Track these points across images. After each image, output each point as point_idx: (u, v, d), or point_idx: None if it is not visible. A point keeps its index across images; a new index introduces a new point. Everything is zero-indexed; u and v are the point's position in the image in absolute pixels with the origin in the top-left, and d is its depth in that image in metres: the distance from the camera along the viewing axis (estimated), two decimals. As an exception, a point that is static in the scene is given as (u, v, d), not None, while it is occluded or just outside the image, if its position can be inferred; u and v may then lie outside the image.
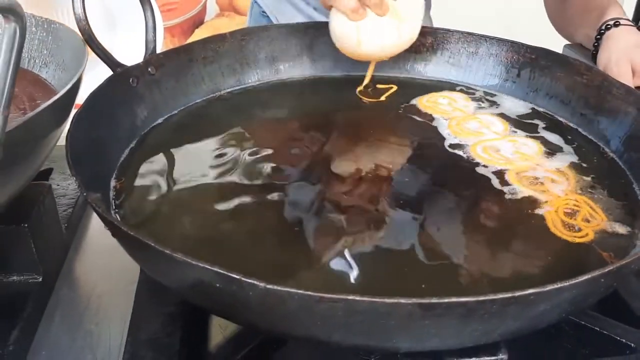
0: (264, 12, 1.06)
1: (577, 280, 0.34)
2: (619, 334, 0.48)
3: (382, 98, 0.72)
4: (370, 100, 0.72)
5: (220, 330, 0.52)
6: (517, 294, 0.33)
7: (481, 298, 0.33)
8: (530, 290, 0.34)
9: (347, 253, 0.46)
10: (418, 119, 0.68)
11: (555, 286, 0.34)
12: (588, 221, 0.52)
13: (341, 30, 0.66)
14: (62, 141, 0.50)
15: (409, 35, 0.67)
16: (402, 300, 0.33)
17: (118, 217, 0.50)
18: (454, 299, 0.33)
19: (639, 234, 0.50)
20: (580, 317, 0.49)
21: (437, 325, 0.35)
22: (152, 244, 0.37)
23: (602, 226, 0.51)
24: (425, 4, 0.69)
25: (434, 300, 0.33)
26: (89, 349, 0.51)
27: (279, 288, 0.34)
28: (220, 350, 0.49)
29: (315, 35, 0.77)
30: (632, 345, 0.47)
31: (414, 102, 0.71)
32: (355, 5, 0.63)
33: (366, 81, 0.74)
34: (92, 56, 0.59)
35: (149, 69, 0.65)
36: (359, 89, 0.73)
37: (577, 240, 0.50)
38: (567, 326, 0.49)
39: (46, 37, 0.63)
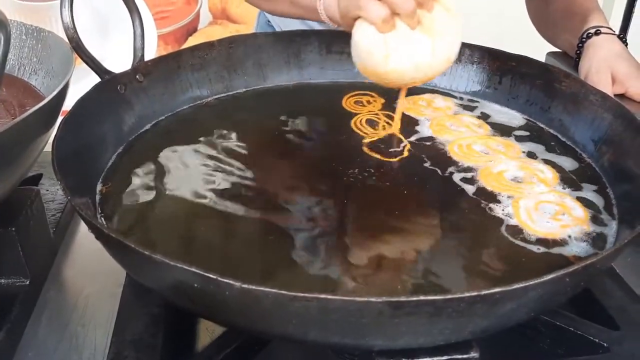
0: (269, 21, 1.07)
1: (541, 280, 0.35)
2: (593, 334, 0.49)
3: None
4: (355, 109, 0.73)
5: (207, 333, 0.53)
6: (483, 292, 0.35)
7: (448, 296, 0.34)
8: (496, 289, 0.35)
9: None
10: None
11: (521, 285, 0.35)
12: (559, 219, 0.53)
13: (367, 43, 0.58)
14: (50, 147, 0.51)
15: (445, 53, 0.58)
16: (373, 299, 0.34)
17: (103, 221, 0.52)
18: (422, 297, 0.34)
19: (608, 236, 0.51)
20: (555, 318, 0.50)
21: (408, 323, 0.36)
22: (133, 246, 0.38)
23: (575, 225, 0.52)
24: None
25: (403, 298, 0.34)
26: (75, 350, 0.52)
27: (254, 287, 0.35)
28: (203, 350, 0.50)
29: (302, 43, 0.78)
30: (605, 345, 0.48)
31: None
32: (386, 14, 0.55)
33: (396, 123, 0.65)
34: (84, 65, 0.60)
35: (137, 76, 0.66)
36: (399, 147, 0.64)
37: (544, 234, 0.51)
38: (542, 327, 0.50)
39: (36, 44, 0.64)
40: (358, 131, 0.68)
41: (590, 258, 0.38)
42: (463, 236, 0.52)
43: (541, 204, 0.55)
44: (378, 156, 0.62)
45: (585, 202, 0.56)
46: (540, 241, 0.51)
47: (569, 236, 0.51)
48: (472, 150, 0.63)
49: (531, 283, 0.35)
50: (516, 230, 0.52)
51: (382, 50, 0.57)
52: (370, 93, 0.75)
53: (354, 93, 0.75)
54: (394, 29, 0.57)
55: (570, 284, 0.38)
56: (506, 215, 0.54)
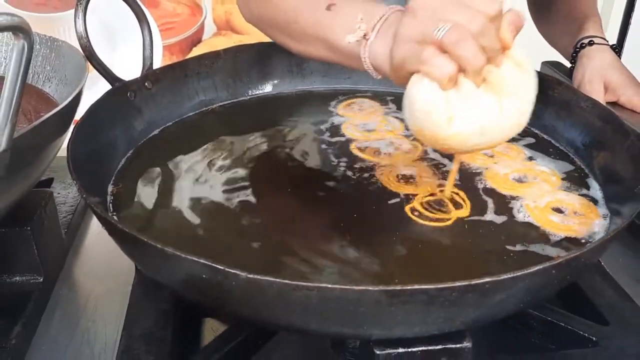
0: None
1: (528, 271, 0.38)
2: (582, 329, 0.52)
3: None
4: (353, 115, 0.76)
5: (212, 332, 0.56)
6: (474, 282, 0.37)
7: (440, 285, 0.36)
8: (486, 279, 0.37)
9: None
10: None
11: (509, 275, 0.37)
12: (565, 218, 0.56)
13: (427, 102, 0.49)
14: (62, 152, 0.54)
15: (515, 117, 0.50)
16: (370, 288, 0.36)
17: (115, 219, 0.54)
18: (416, 286, 0.36)
19: (597, 234, 0.54)
20: (547, 314, 0.53)
21: (404, 312, 0.38)
22: (145, 239, 0.40)
23: (577, 224, 0.55)
24: None
25: (399, 287, 0.36)
26: (87, 345, 0.54)
27: (259, 277, 0.37)
28: (210, 344, 0.52)
29: (304, 52, 0.81)
30: (594, 339, 0.51)
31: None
32: (454, 71, 0.47)
33: (448, 191, 0.59)
34: (93, 73, 0.63)
35: (146, 84, 0.69)
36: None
37: (552, 229, 0.54)
38: (535, 322, 0.53)
39: (49, 54, 0.67)
40: (350, 135, 0.70)
41: (574, 252, 0.41)
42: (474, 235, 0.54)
43: (550, 204, 0.57)
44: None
45: (586, 201, 0.58)
46: (549, 240, 0.53)
47: (582, 233, 0.54)
48: (478, 153, 0.65)
49: (519, 274, 0.38)
50: (528, 230, 0.54)
51: (445, 112, 0.49)
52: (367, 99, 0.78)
53: (352, 100, 0.78)
54: (457, 87, 0.49)
55: (557, 276, 0.41)
56: (520, 216, 0.56)
